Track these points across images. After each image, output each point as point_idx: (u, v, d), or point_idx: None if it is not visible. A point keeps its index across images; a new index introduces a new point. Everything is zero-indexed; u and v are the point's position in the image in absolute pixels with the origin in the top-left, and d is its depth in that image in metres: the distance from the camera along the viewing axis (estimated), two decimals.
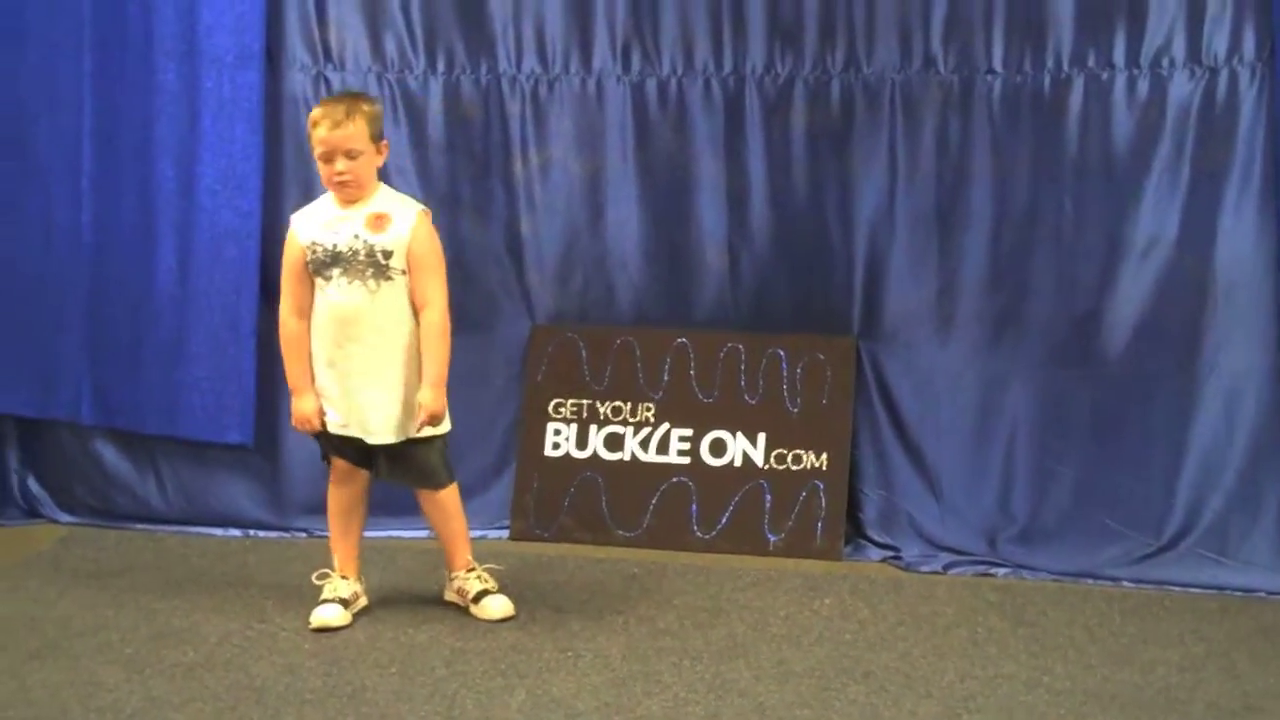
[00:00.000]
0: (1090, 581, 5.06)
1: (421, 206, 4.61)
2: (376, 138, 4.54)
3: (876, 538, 5.41)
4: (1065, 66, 5.23)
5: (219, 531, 5.59)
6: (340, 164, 4.46)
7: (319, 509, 5.34)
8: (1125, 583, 5.04)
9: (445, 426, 4.60)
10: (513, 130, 5.63)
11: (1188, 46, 5.12)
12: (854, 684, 4.15)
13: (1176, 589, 4.97)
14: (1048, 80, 5.26)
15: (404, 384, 4.52)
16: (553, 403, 5.65)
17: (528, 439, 5.62)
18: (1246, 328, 5.06)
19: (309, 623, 4.53)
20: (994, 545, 5.27)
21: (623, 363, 5.63)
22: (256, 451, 5.55)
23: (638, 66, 5.56)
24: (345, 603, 4.61)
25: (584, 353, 5.65)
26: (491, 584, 4.72)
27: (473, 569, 4.73)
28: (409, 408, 4.52)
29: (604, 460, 5.57)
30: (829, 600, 4.85)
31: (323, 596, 4.62)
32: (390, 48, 5.61)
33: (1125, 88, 5.19)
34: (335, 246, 4.48)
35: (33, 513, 5.74)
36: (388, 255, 4.48)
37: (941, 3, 5.31)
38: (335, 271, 4.48)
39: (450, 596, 4.77)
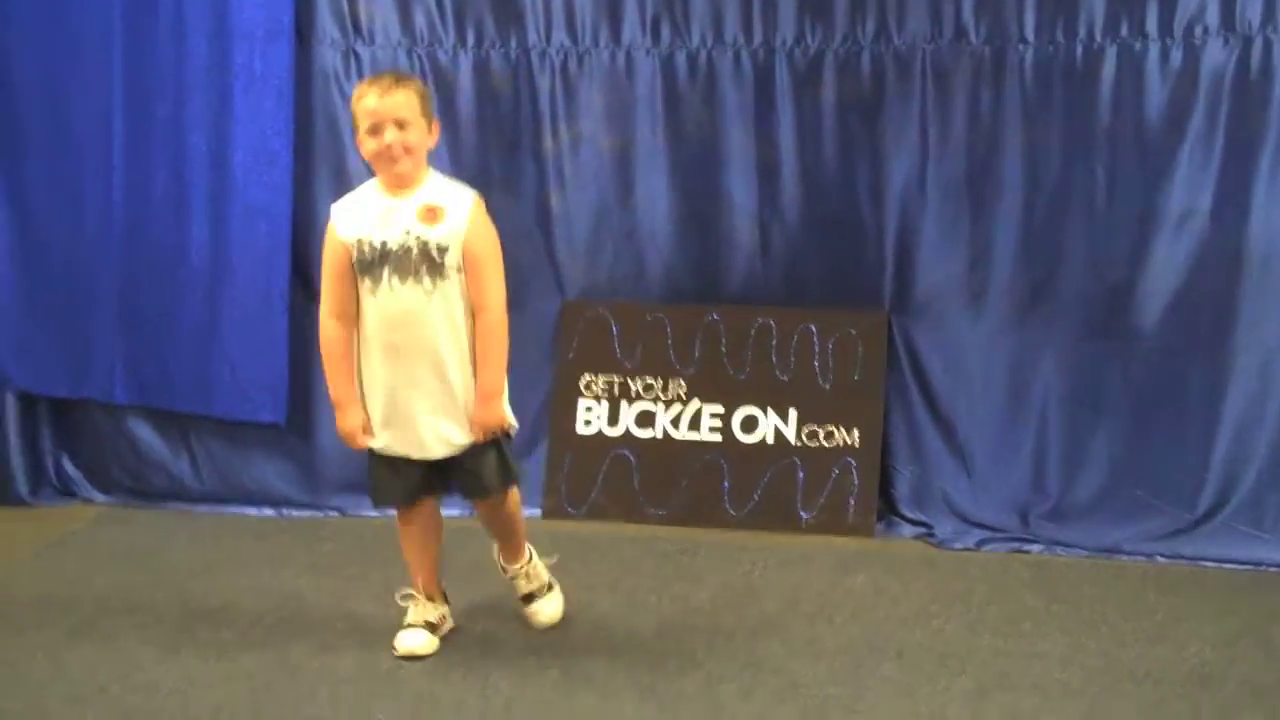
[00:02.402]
0: (1124, 557, 5.05)
1: (475, 193, 4.13)
2: (427, 114, 4.08)
3: (909, 514, 5.40)
4: (1098, 36, 5.19)
5: (253, 511, 5.62)
6: (390, 133, 3.96)
7: (353, 488, 5.41)
8: (1159, 558, 5.02)
9: (511, 432, 4.27)
10: (542, 105, 5.61)
11: (1221, 15, 5.07)
12: (887, 661, 4.15)
13: (1211, 564, 4.96)
14: (1080, 50, 5.22)
15: (465, 392, 4.11)
16: (584, 379, 5.65)
17: (559, 416, 5.63)
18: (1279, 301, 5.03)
19: (394, 648, 4.21)
20: (1027, 521, 5.26)
21: (654, 339, 5.62)
22: (290, 430, 5.58)
23: (667, 39, 5.53)
24: (433, 627, 4.28)
25: (615, 329, 5.65)
26: (538, 583, 4.48)
27: (520, 565, 4.46)
28: (463, 421, 4.12)
29: (636, 437, 5.56)
30: (861, 577, 4.85)
31: (408, 620, 4.29)
32: (420, 22, 5.60)
33: (1158, 57, 5.15)
34: (385, 245, 4.01)
35: (67, 493, 5.77)
36: (443, 251, 4.01)
37: None
38: (385, 271, 4.02)
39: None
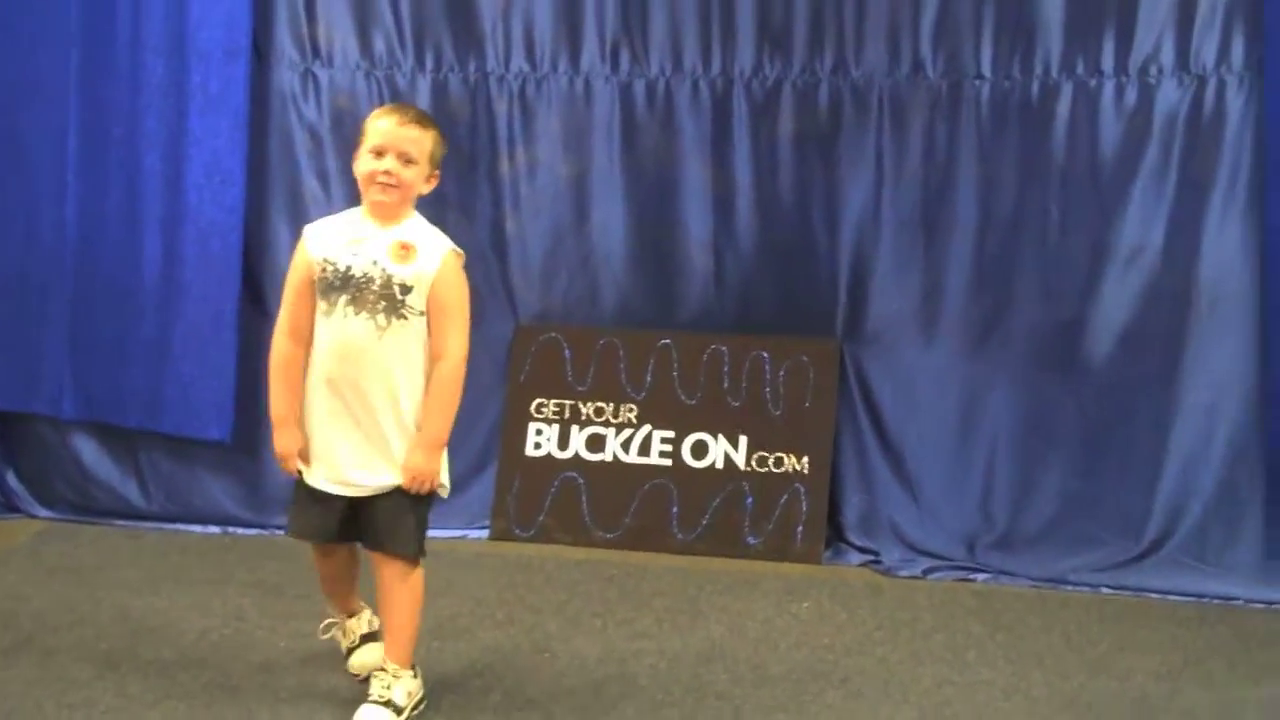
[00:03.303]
0: (1070, 588, 5.07)
1: (454, 246, 3.94)
2: (434, 161, 3.93)
3: (857, 541, 5.41)
4: (1054, 73, 5.25)
5: (198, 528, 5.58)
6: (389, 162, 3.83)
7: None
8: (1104, 589, 5.05)
9: (442, 493, 3.99)
10: (500, 129, 5.63)
11: (1176, 54, 5.15)
12: (831, 689, 4.14)
13: (1155, 596, 4.99)
14: (1036, 86, 5.27)
15: (400, 437, 3.88)
16: (535, 402, 5.64)
17: (509, 439, 5.61)
18: (1229, 337, 5.09)
19: (354, 671, 4.14)
20: (973, 551, 5.28)
21: (606, 363, 5.62)
22: (236, 448, 5.54)
23: (626, 67, 5.55)
24: (373, 637, 4.18)
25: (567, 353, 5.64)
26: (382, 696, 3.90)
27: (384, 669, 3.95)
28: (394, 464, 3.88)
29: (585, 461, 5.55)
30: (808, 604, 4.84)
31: (345, 646, 4.21)
32: (379, 45, 5.61)
33: (1113, 95, 5.21)
34: (349, 269, 3.84)
35: (10, 507, 5.70)
36: (406, 290, 3.84)
37: (931, 6, 5.33)
38: (341, 299, 3.84)
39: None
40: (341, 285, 3.85)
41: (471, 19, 5.58)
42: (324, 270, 3.88)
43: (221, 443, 5.52)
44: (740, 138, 5.52)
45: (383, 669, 3.95)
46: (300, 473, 3.96)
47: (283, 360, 3.95)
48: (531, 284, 5.67)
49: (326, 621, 4.29)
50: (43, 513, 5.67)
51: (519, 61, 5.59)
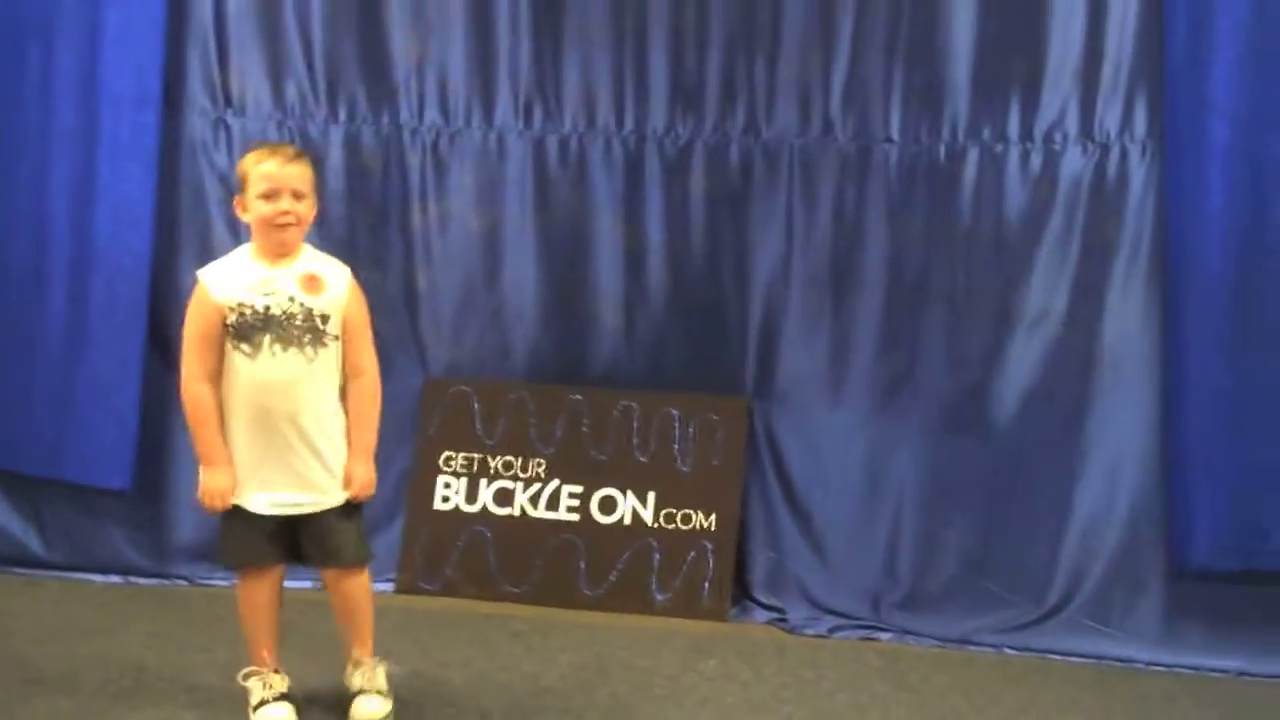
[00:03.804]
0: (973, 648, 5.10)
1: (348, 269, 4.24)
2: (315, 190, 4.18)
3: (763, 599, 5.41)
4: (960, 137, 5.32)
5: (99, 578, 5.50)
6: (285, 202, 4.04)
7: (201, 556, 5.37)
8: (1008, 650, 5.08)
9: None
10: (412, 181, 5.63)
11: (1080, 122, 5.23)
12: None
13: (1058, 657, 5.02)
14: (943, 150, 5.34)
15: (336, 453, 4.15)
16: (444, 455, 5.62)
17: (417, 491, 5.58)
18: (1131, 401, 5.14)
19: None
20: (879, 609, 5.30)
21: (516, 418, 5.61)
22: (138, 498, 5.46)
23: (539, 122, 5.58)
24: (290, 699, 4.20)
25: (477, 406, 5.63)
26: (372, 685, 4.28)
27: (360, 664, 4.31)
28: (338, 478, 4.15)
29: (493, 515, 5.53)
30: (714, 661, 4.85)
31: (258, 698, 4.19)
32: (291, 94, 5.60)
33: (1019, 160, 5.28)
34: (268, 309, 4.03)
35: None
36: (325, 320, 4.09)
37: (841, 70, 5.39)
38: (266, 339, 4.03)
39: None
40: (263, 326, 4.04)
41: (385, 70, 5.59)
42: (241, 314, 4.04)
43: (123, 491, 5.44)
44: (652, 195, 5.56)
45: (361, 663, 4.29)
46: (235, 505, 4.11)
47: (203, 404, 4.08)
48: (442, 337, 5.67)
49: (248, 669, 4.23)
50: None
51: (432, 114, 5.61)
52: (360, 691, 4.27)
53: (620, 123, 5.55)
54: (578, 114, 5.57)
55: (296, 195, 4.08)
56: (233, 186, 5.45)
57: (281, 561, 4.21)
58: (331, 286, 4.15)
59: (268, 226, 4.08)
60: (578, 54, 5.54)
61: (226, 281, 4.09)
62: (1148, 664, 4.98)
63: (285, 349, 4.05)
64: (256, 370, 4.05)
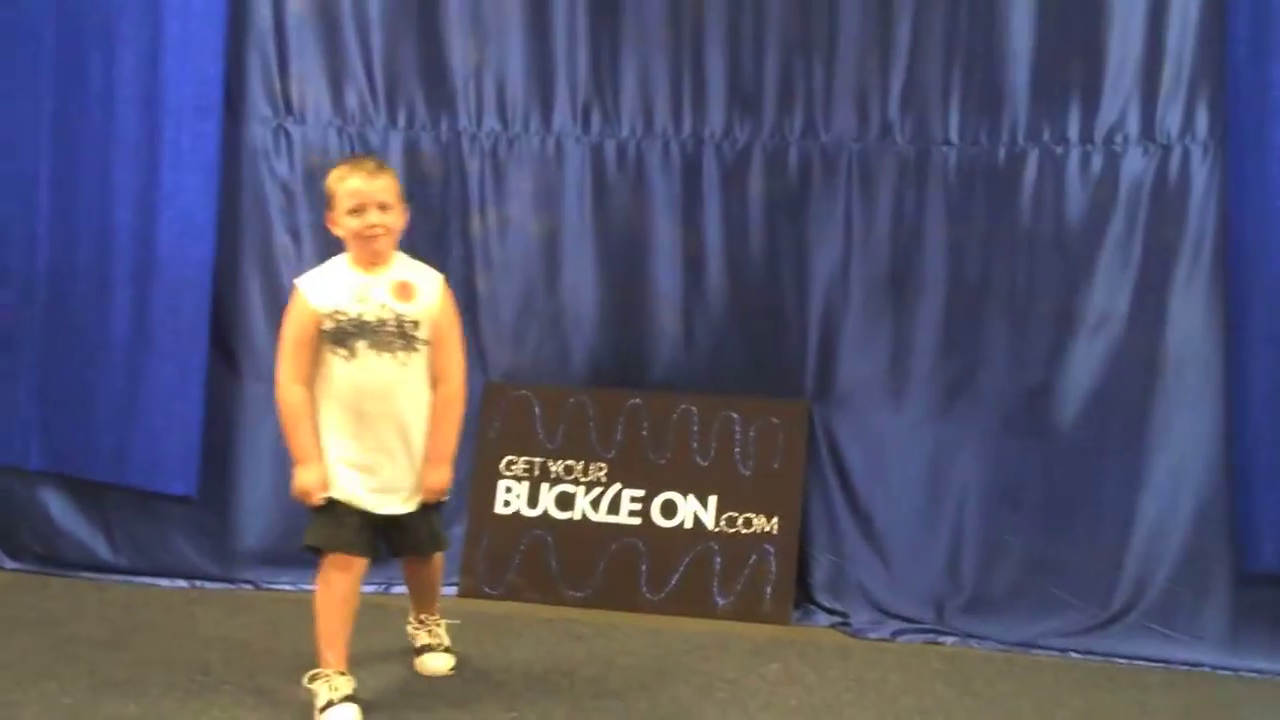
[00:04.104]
0: (1037, 652, 5.07)
1: (439, 274, 4.46)
2: (401, 199, 4.38)
3: (825, 603, 5.41)
4: (1020, 140, 5.30)
5: (165, 582, 5.54)
6: (374, 215, 4.26)
7: (266, 561, 5.42)
8: (1072, 654, 5.05)
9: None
10: (471, 187, 5.66)
11: (1141, 124, 5.20)
12: None
13: (1123, 661, 4.99)
14: (1003, 153, 5.33)
15: (420, 456, 4.38)
16: (504, 460, 5.63)
17: (478, 496, 5.60)
18: (1194, 403, 5.10)
19: None
20: (942, 613, 5.28)
21: (576, 422, 5.62)
22: (204, 503, 5.51)
23: (597, 127, 5.60)
24: (356, 701, 4.22)
25: (537, 411, 5.65)
26: (438, 642, 4.68)
27: (424, 623, 4.71)
28: (419, 481, 4.39)
29: (554, 519, 5.55)
30: (776, 665, 4.84)
31: (324, 700, 4.20)
32: (351, 101, 5.64)
33: (1079, 163, 5.26)
34: (361, 316, 4.27)
35: None
36: (415, 325, 4.32)
37: (900, 73, 5.38)
38: (361, 344, 4.26)
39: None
40: (358, 332, 4.28)
41: (444, 76, 5.62)
42: (336, 321, 4.28)
43: (188, 497, 5.49)
44: (710, 199, 5.56)
45: (422, 621, 4.72)
46: (330, 497, 4.30)
47: (298, 405, 4.31)
48: (502, 342, 5.69)
49: (314, 671, 4.28)
50: (9, 564, 5.65)
51: (491, 120, 5.63)
52: (425, 647, 4.66)
53: (678, 127, 5.56)
54: (635, 118, 5.58)
55: (383, 207, 4.29)
56: (293, 193, 5.54)
57: (366, 555, 4.36)
58: (423, 294, 4.36)
59: (358, 239, 4.31)
60: (635, 58, 5.56)
61: (323, 289, 4.32)
62: (1214, 668, 4.95)
63: (380, 354, 4.28)
64: (353, 373, 4.28)
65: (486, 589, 5.49)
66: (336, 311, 4.28)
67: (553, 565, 5.49)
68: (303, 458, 4.30)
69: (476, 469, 5.63)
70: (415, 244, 5.51)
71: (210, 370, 5.47)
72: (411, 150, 5.64)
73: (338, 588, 4.32)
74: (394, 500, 4.35)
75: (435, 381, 4.40)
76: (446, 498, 4.49)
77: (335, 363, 4.28)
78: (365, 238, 4.29)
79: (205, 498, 5.50)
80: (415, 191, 5.59)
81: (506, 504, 5.59)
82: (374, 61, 5.62)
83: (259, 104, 5.64)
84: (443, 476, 4.40)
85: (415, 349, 4.32)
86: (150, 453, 5.48)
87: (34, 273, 5.52)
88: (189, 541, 5.58)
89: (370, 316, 4.28)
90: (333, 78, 5.64)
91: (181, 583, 5.55)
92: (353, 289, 4.31)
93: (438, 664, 4.62)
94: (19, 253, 5.55)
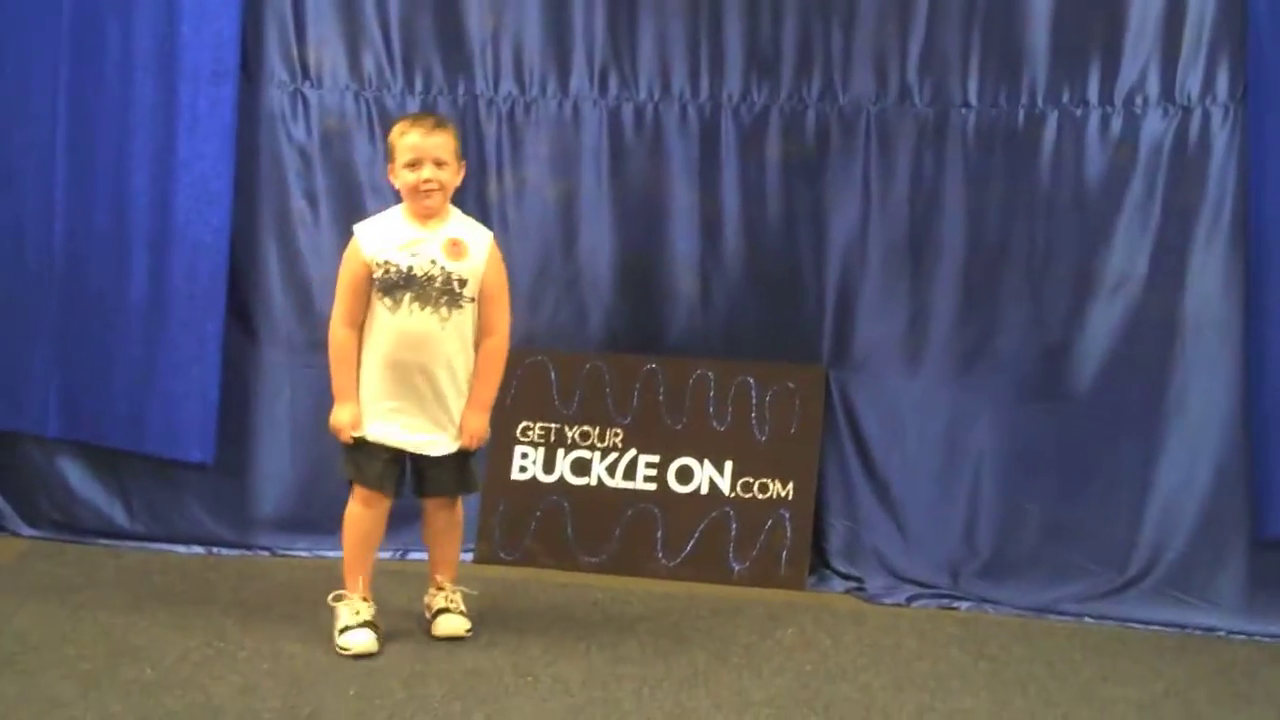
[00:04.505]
0: (1053, 617, 5.07)
1: (490, 232, 4.68)
2: (459, 156, 4.59)
3: (841, 568, 5.41)
4: (1039, 102, 5.27)
5: (182, 549, 5.56)
6: (428, 170, 4.47)
7: (283, 528, 5.45)
8: (1088, 619, 5.05)
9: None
10: (488, 151, 5.64)
11: (1161, 85, 5.16)
12: (813, 715, 4.13)
13: (1138, 626, 4.99)
14: (1022, 115, 5.29)
15: (456, 405, 4.58)
16: (520, 426, 5.64)
17: (494, 462, 5.60)
18: (1214, 367, 5.08)
19: (343, 647, 4.45)
20: (957, 579, 5.28)
21: (592, 387, 5.62)
22: (220, 470, 5.51)
23: (614, 91, 5.58)
24: (376, 628, 4.51)
25: (553, 376, 5.65)
26: (454, 605, 4.70)
27: (443, 588, 4.73)
28: (456, 426, 4.60)
29: (570, 485, 5.56)
30: (791, 630, 4.84)
31: (344, 623, 4.50)
32: (369, 66, 5.62)
33: (1099, 125, 5.22)
34: (411, 270, 4.47)
35: None
36: (463, 284, 4.51)
37: (918, 35, 5.35)
38: (406, 296, 4.47)
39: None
40: (405, 284, 4.47)
41: (461, 41, 5.60)
42: (386, 271, 4.49)
43: (204, 464, 5.50)
44: (728, 162, 5.54)
45: (442, 587, 4.74)
46: (355, 438, 4.55)
47: (343, 346, 4.57)
48: (518, 306, 5.64)
49: (338, 592, 4.60)
50: (27, 531, 5.65)
51: (508, 84, 5.61)
52: (443, 610, 4.68)
53: (695, 90, 5.53)
54: (653, 82, 5.56)
55: (438, 163, 4.49)
56: (310, 158, 5.54)
57: (391, 496, 4.61)
58: (473, 252, 4.55)
59: (413, 193, 4.51)
60: (652, 21, 5.53)
61: (377, 239, 4.54)
62: (1230, 633, 4.95)
63: (423, 308, 4.47)
64: (396, 323, 4.48)
65: (502, 555, 5.50)
66: (387, 262, 4.48)
67: (569, 531, 5.50)
68: (339, 396, 4.56)
69: (493, 435, 5.60)
70: None
71: (227, 337, 5.46)
72: None
73: (361, 521, 4.60)
74: (424, 440, 4.55)
75: (482, 335, 4.59)
76: (481, 444, 4.69)
77: (380, 311, 4.49)
78: (420, 192, 4.48)
79: (222, 464, 5.51)
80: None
81: (523, 470, 5.60)
82: (391, 26, 5.60)
83: (276, 69, 5.63)
84: (481, 423, 4.62)
85: (460, 306, 4.50)
86: (167, 420, 5.48)
87: (51, 240, 5.51)
88: (206, 508, 5.59)
89: (419, 271, 4.47)
90: (349, 42, 5.62)
91: (198, 549, 5.56)
92: (405, 242, 4.50)
93: (453, 624, 4.65)
94: (36, 220, 5.53)
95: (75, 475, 5.66)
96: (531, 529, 5.52)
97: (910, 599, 5.21)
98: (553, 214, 5.65)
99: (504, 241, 5.56)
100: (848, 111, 5.44)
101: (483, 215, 5.59)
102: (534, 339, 5.69)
